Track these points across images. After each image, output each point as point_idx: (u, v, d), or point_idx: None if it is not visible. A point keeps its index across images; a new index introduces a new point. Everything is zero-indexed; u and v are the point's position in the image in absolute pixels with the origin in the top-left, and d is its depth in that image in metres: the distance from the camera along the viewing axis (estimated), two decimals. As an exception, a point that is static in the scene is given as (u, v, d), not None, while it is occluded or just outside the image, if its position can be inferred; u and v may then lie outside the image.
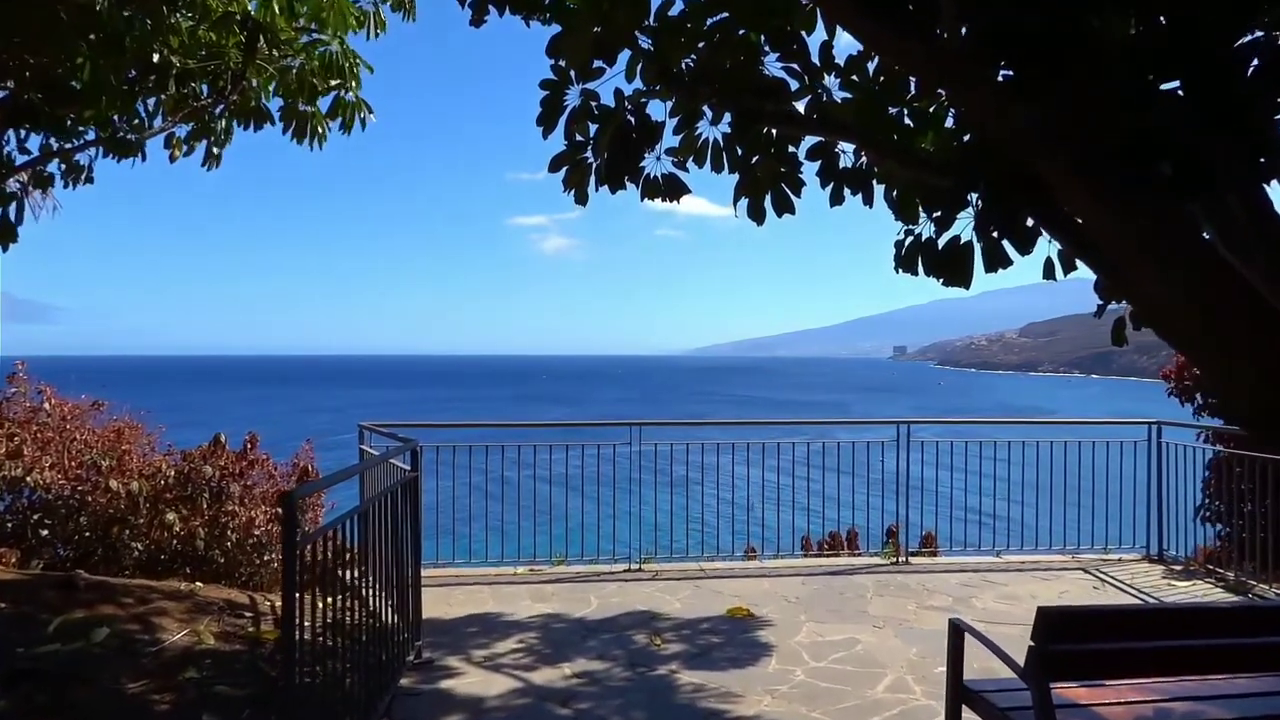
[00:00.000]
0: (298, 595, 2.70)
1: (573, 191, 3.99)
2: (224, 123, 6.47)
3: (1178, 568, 7.03)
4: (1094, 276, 3.68)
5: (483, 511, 7.33)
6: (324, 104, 6.36)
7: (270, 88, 6.19)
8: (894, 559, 7.31)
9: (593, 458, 7.23)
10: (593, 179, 4.03)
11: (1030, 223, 3.06)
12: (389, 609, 4.67)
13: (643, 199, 3.98)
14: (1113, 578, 6.67)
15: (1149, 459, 7.35)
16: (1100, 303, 3.48)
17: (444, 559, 7.37)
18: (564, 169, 3.93)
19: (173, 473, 8.25)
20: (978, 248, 3.01)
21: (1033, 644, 2.69)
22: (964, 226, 3.22)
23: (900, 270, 3.09)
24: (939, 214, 2.94)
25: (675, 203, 3.96)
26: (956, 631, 3.08)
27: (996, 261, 2.98)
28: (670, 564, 7.15)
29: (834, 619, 5.61)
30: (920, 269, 3.03)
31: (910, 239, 3.09)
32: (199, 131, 6.53)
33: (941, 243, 3.02)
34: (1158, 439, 7.32)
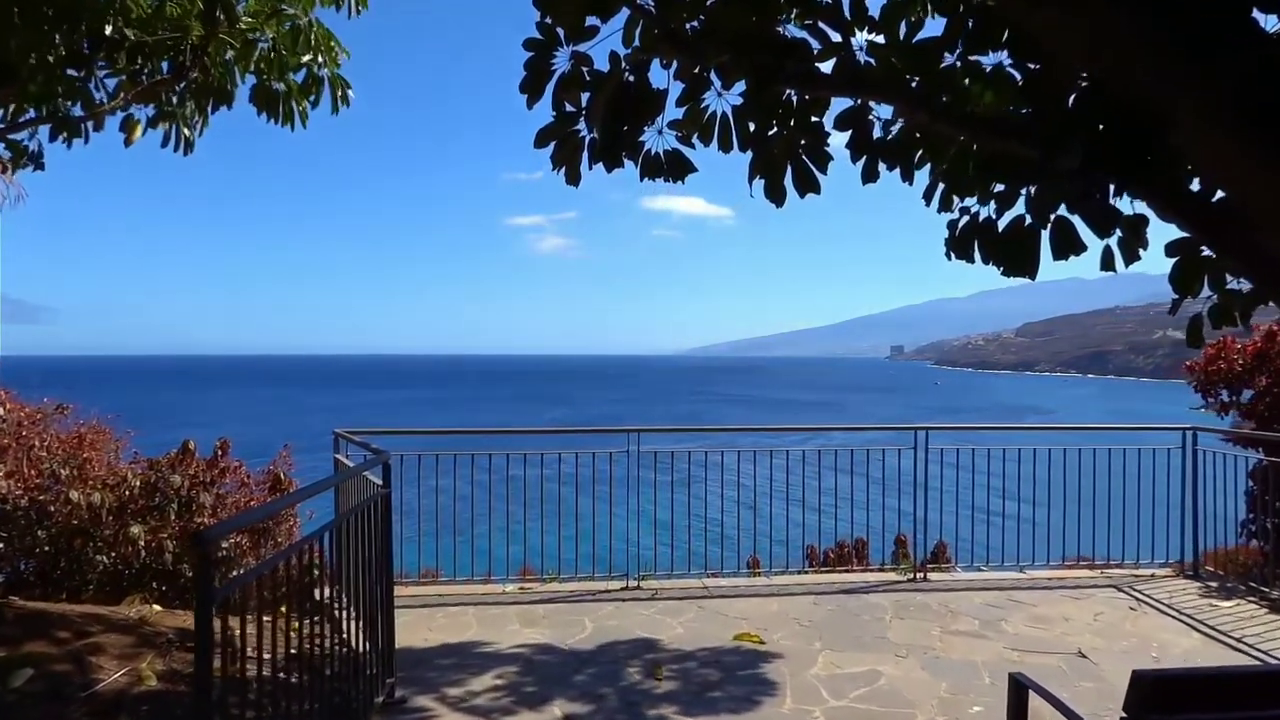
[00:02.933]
0: (214, 649, 2.19)
1: (563, 170, 3.48)
2: (190, 104, 5.95)
3: (1214, 584, 6.54)
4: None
5: (469, 522, 6.81)
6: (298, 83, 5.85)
7: (237, 65, 5.67)
8: (911, 575, 6.80)
9: (588, 464, 6.71)
10: (586, 156, 3.54)
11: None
12: (360, 638, 4.18)
13: (643, 178, 3.47)
14: (1149, 597, 6.17)
15: (1184, 467, 6.85)
16: (1175, 297, 2.99)
17: (427, 571, 6.85)
18: (552, 144, 3.42)
19: (138, 482, 7.75)
20: (1044, 230, 2.50)
21: (1125, 715, 2.20)
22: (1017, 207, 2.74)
23: (954, 256, 2.59)
24: (1002, 189, 2.43)
25: (680, 182, 3.45)
26: (1019, 691, 2.57)
27: (1068, 246, 2.47)
28: (671, 580, 6.64)
29: (852, 647, 5.10)
30: (977, 255, 2.53)
31: (966, 220, 2.58)
32: (163, 114, 6.00)
33: (1003, 224, 2.52)
34: (1193, 446, 6.82)
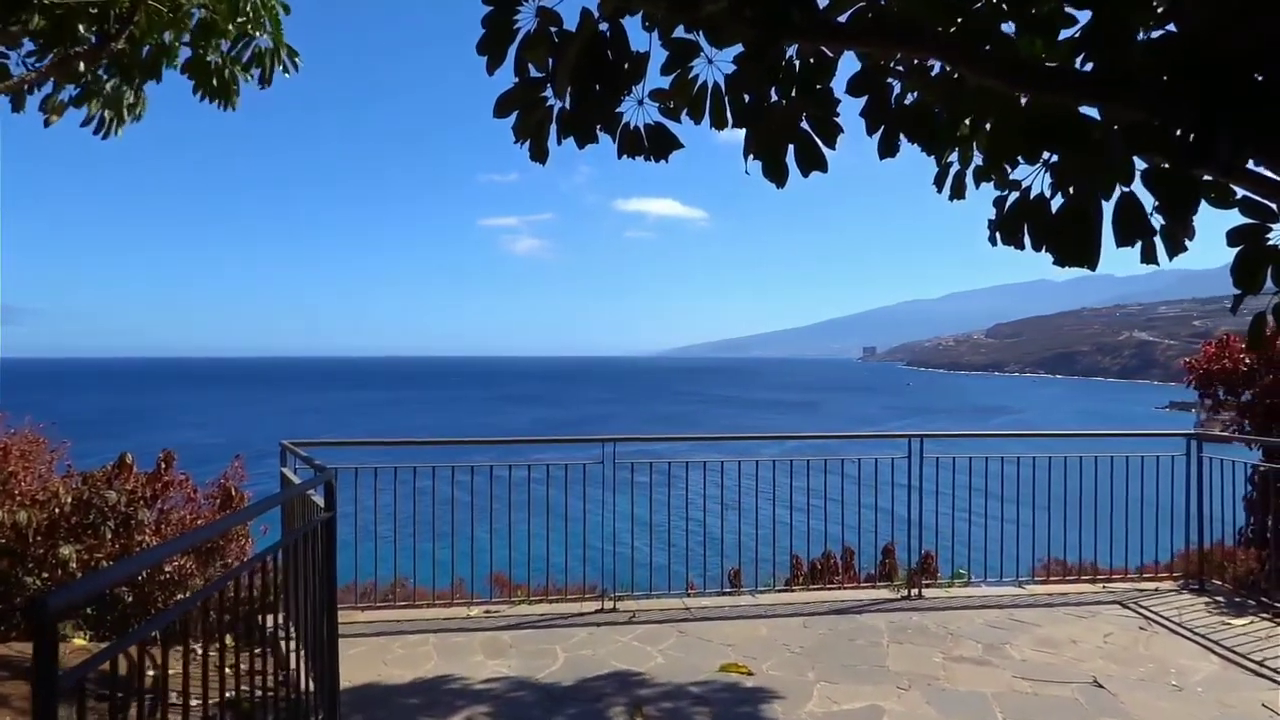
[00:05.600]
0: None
1: (528, 144, 3.00)
2: (115, 80, 5.38)
3: (1221, 599, 6.22)
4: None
5: (431, 537, 6.28)
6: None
7: (170, 35, 5.12)
8: (905, 592, 6.40)
9: (560, 474, 6.23)
10: (555, 130, 3.06)
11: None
12: (302, 677, 3.67)
13: (621, 155, 3.00)
14: (1157, 614, 5.81)
15: (1187, 476, 6.53)
16: (1238, 292, 2.60)
17: (384, 589, 6.33)
18: (515, 113, 2.94)
19: (70, 499, 7.15)
20: (1106, 212, 2.07)
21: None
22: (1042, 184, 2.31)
23: (1000, 240, 2.15)
24: (1061, 161, 2.00)
25: (664, 160, 2.99)
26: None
27: (1133, 230, 2.04)
28: (649, 601, 6.17)
29: (848, 677, 4.67)
30: (1027, 240, 2.10)
31: (1015, 198, 2.15)
32: (87, 93, 5.41)
33: (1056, 204, 2.09)
34: (1198, 454, 6.50)
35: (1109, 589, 6.48)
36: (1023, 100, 2.56)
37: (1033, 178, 2.14)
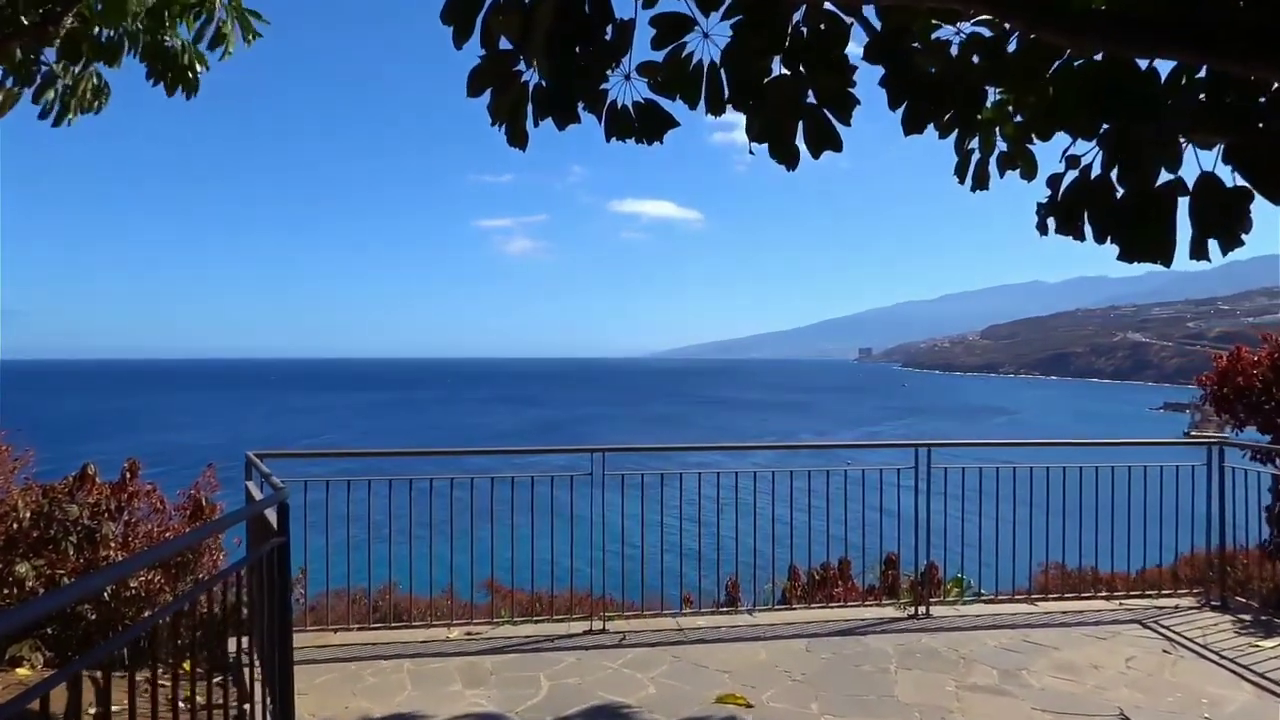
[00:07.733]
0: None
1: (505, 126, 2.64)
2: (73, 64, 5.00)
3: (1247, 617, 5.89)
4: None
5: (407, 550, 5.91)
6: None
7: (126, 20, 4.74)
8: (911, 610, 6.06)
9: (546, 485, 5.86)
10: (532, 110, 2.70)
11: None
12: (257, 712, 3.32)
13: (610, 137, 2.65)
14: (1180, 635, 5.48)
15: (1209, 486, 6.19)
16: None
17: (359, 608, 5.97)
18: (488, 90, 2.58)
19: (28, 513, 6.75)
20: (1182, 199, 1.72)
21: None
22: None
23: (1053, 228, 1.80)
24: (1126, 134, 1.65)
25: (657, 142, 2.63)
26: None
27: (1219, 218, 1.69)
28: (640, 620, 5.81)
29: (855, 709, 4.31)
30: (1087, 229, 1.75)
31: (1074, 177, 1.79)
32: (20, 74, 5.03)
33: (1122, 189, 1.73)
34: (1220, 462, 6.16)
35: (1126, 606, 6.14)
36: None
37: (1092, 156, 1.78)
